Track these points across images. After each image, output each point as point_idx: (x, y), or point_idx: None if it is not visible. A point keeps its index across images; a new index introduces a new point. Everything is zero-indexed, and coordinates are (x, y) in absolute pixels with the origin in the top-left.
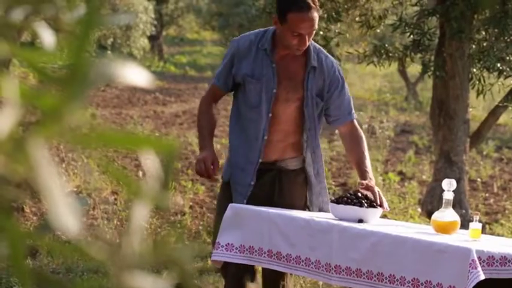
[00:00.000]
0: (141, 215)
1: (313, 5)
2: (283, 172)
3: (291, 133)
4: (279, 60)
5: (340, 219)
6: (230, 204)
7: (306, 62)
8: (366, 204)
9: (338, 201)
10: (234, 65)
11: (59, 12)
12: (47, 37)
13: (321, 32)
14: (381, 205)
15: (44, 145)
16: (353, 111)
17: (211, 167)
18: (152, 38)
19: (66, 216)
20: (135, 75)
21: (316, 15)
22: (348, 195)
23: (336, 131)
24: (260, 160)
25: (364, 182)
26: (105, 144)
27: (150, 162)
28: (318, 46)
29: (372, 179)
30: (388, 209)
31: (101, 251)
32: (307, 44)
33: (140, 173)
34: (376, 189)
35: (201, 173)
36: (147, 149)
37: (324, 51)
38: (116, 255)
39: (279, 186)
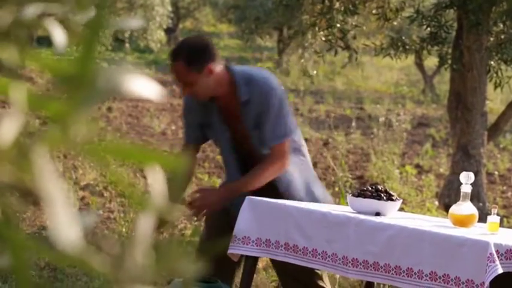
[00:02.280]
0: (146, 227)
1: (179, 57)
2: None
3: (253, 163)
4: (221, 104)
5: (358, 212)
6: (247, 197)
7: (237, 99)
8: (384, 198)
9: (356, 194)
10: (193, 116)
11: (69, 13)
12: (59, 36)
13: (338, 25)
14: (191, 203)
15: (50, 153)
16: (274, 136)
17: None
18: (169, 31)
19: (67, 230)
20: (145, 87)
21: (178, 67)
22: (367, 188)
23: (353, 124)
24: None
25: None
26: (112, 156)
27: (157, 177)
28: (247, 74)
29: (229, 191)
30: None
31: (104, 263)
32: (183, 93)
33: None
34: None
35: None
36: (154, 163)
37: (255, 75)
38: (119, 267)
39: None
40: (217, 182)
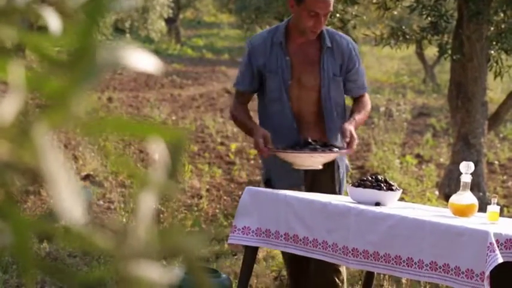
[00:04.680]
0: (148, 204)
1: None
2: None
3: (314, 115)
4: (295, 50)
5: (358, 202)
6: (246, 188)
7: (321, 44)
8: (384, 188)
9: (356, 184)
10: (253, 63)
11: None
12: (53, 21)
13: (338, 15)
14: (349, 145)
15: (50, 132)
16: (365, 85)
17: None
18: (169, 21)
19: (71, 205)
20: (144, 60)
21: None
22: (367, 178)
23: None
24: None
25: (344, 125)
26: (112, 131)
27: (158, 150)
28: (331, 29)
29: (352, 123)
30: (352, 149)
31: (107, 240)
32: (323, 25)
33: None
34: (349, 131)
35: (261, 151)
36: (155, 137)
37: (339, 32)
38: (122, 244)
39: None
40: (218, 172)
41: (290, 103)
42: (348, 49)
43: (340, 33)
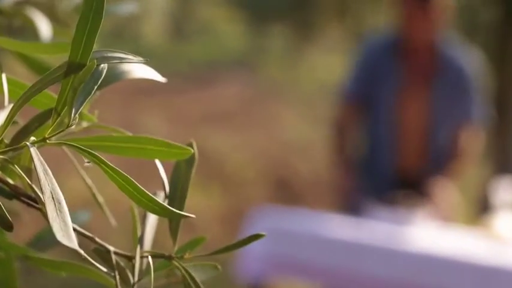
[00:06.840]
0: (148, 229)
1: None
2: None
3: (418, 131)
4: (408, 59)
5: (381, 221)
6: (253, 210)
7: (436, 60)
8: (408, 207)
9: (383, 201)
10: (368, 67)
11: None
12: (43, 26)
13: (355, 22)
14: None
15: (41, 148)
16: (473, 112)
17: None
18: (168, 23)
19: (65, 229)
20: (144, 72)
21: (439, 3)
22: (395, 194)
23: None
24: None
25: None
26: (110, 148)
27: (162, 170)
28: (451, 41)
29: (444, 190)
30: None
31: (102, 269)
32: (423, 32)
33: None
34: (436, 197)
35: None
36: (160, 156)
37: (460, 48)
38: (119, 273)
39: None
40: (218, 191)
41: (394, 115)
42: (462, 68)
43: (461, 49)
